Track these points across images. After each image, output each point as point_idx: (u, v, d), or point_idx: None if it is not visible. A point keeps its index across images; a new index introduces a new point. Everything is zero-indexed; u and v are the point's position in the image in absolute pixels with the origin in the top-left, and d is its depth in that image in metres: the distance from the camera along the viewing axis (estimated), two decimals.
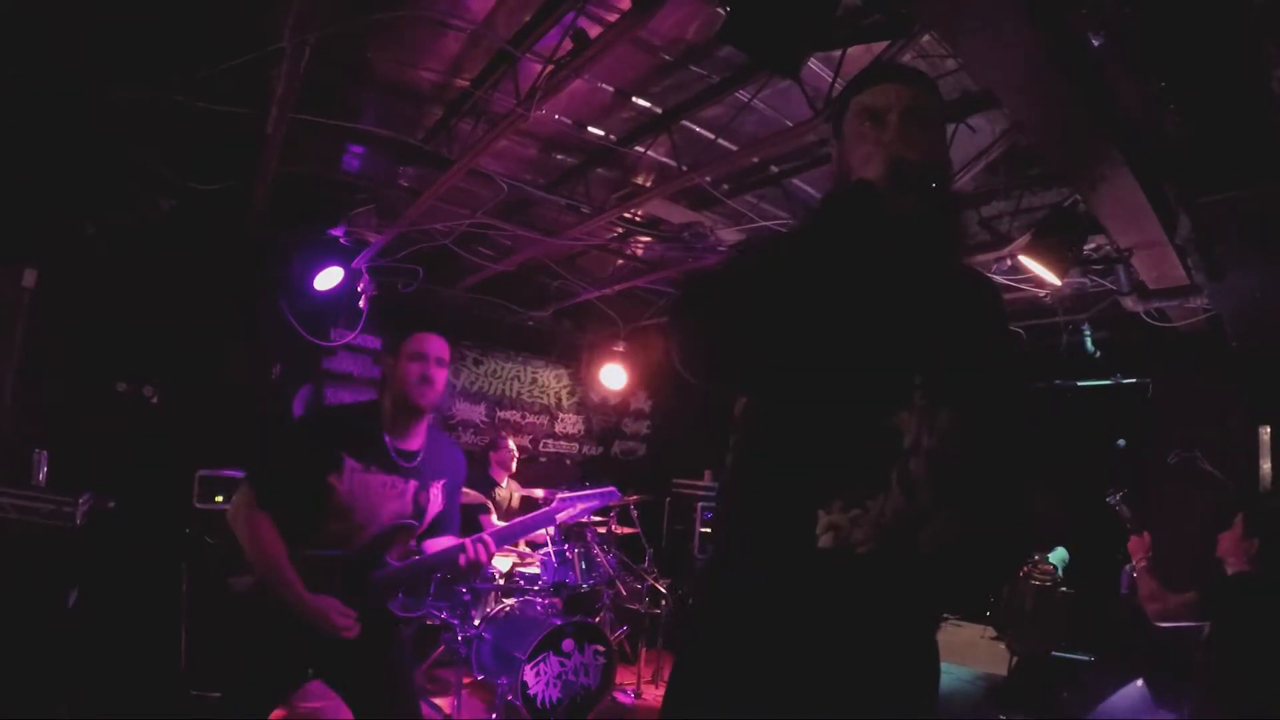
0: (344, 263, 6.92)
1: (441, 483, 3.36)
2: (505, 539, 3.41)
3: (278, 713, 3.24)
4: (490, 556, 3.26)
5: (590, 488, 3.78)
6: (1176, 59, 3.23)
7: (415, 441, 3.27)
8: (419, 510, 3.26)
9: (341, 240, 6.62)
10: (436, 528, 3.42)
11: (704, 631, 1.82)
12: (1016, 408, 1.82)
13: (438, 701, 6.05)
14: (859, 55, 3.83)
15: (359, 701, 3.17)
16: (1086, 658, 6.45)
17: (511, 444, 7.55)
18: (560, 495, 3.61)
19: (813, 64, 3.88)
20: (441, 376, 3.27)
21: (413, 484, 3.24)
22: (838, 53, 3.85)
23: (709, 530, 7.84)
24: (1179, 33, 3.13)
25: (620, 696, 6.42)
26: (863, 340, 1.69)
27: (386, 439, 3.20)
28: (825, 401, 1.69)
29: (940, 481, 1.66)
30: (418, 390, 3.18)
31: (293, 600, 2.95)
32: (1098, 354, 7.42)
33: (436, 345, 3.27)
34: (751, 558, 1.75)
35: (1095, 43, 3.06)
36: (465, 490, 6.37)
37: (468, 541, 3.22)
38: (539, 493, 6.90)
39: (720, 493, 1.91)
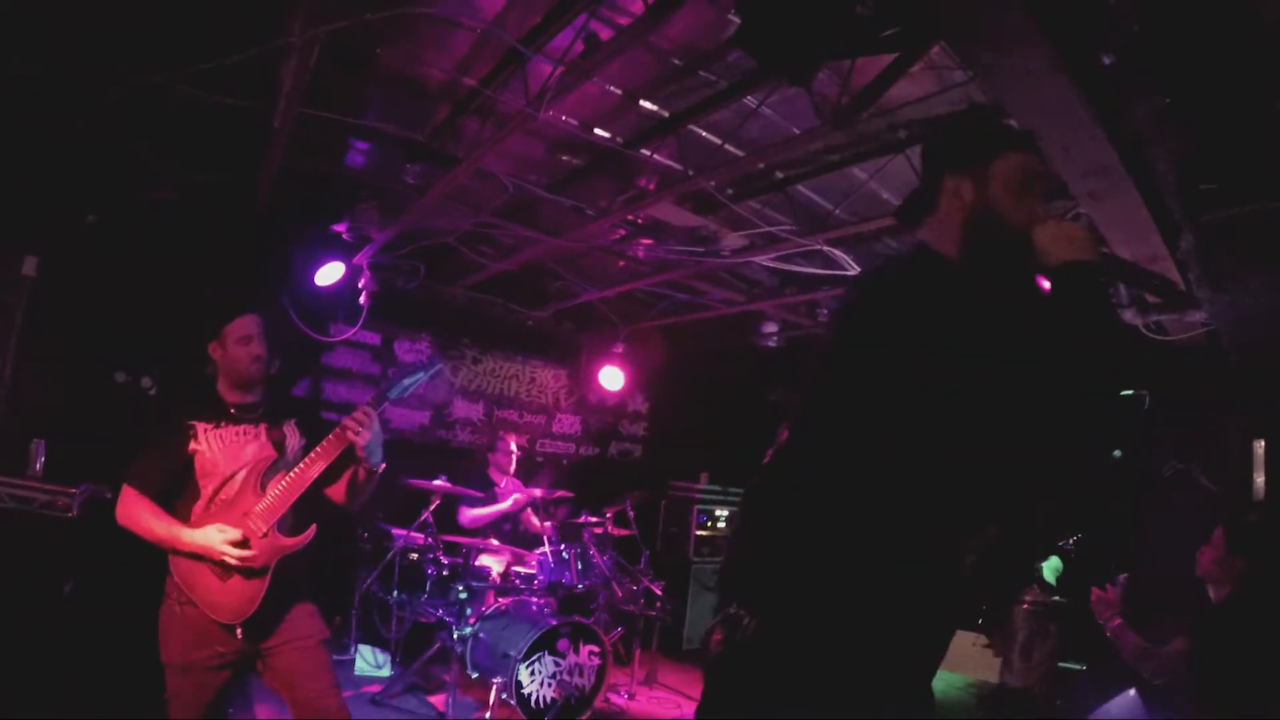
0: (345, 258, 6.92)
1: (293, 421, 3.61)
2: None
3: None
4: (366, 421, 3.35)
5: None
6: (1183, 76, 3.25)
7: (253, 396, 3.54)
8: (277, 445, 3.50)
9: (344, 236, 6.61)
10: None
11: (820, 636, 1.85)
12: None
13: (431, 699, 6.07)
14: (868, 65, 3.85)
15: (285, 691, 3.33)
16: (1079, 666, 6.46)
17: (511, 445, 7.53)
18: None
19: (822, 74, 3.88)
20: (263, 345, 3.53)
21: (263, 426, 3.51)
22: (847, 63, 3.86)
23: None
24: (1186, 51, 3.15)
25: (614, 697, 6.43)
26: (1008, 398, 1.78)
27: (226, 399, 3.49)
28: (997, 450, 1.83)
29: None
30: (251, 368, 3.47)
31: (182, 544, 3.20)
32: None
33: (254, 323, 3.56)
34: (894, 575, 1.83)
35: (1105, 61, 3.08)
36: (460, 488, 6.43)
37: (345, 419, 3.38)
38: (538, 493, 6.91)
39: (813, 513, 1.91)
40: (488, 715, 5.60)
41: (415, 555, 6.50)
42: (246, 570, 3.19)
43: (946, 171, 2.02)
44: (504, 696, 5.52)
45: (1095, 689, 5.45)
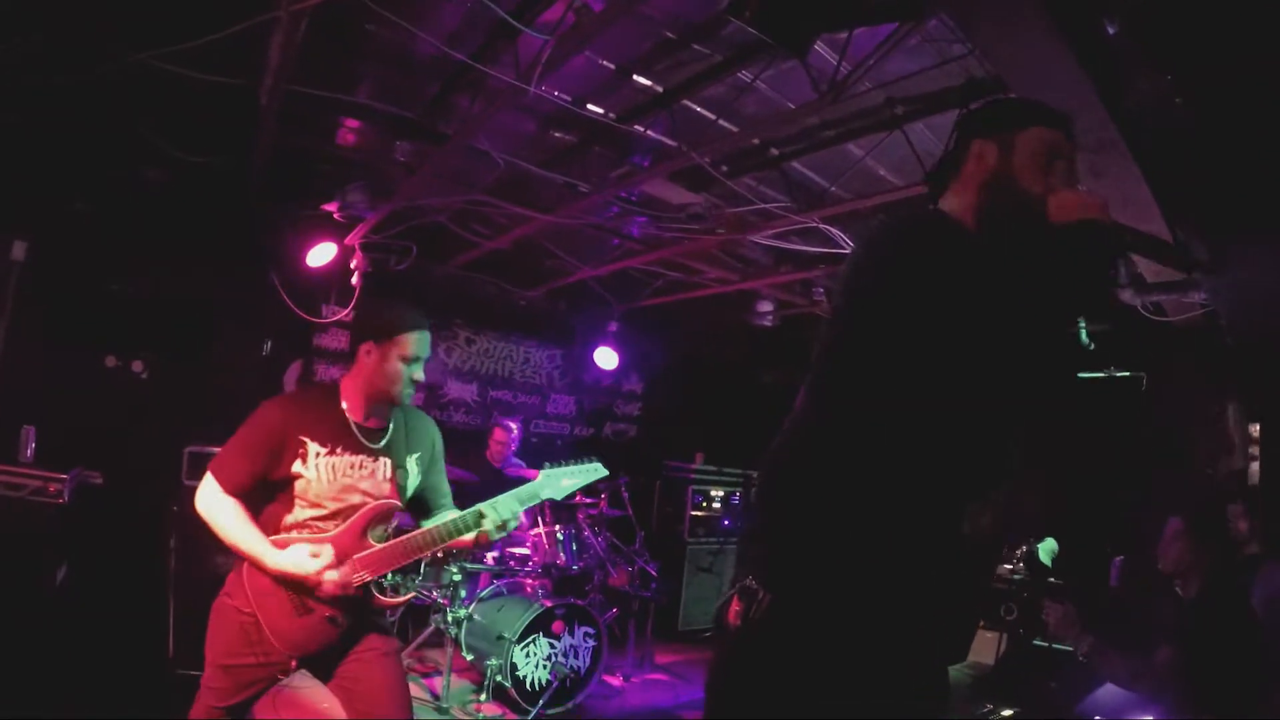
0: (337, 239, 6.87)
1: (416, 456, 3.29)
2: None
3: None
4: (505, 529, 3.17)
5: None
6: (1188, 50, 3.20)
7: (382, 421, 3.21)
8: (399, 489, 3.20)
9: (335, 216, 6.56)
10: (426, 504, 3.38)
11: (833, 611, 1.86)
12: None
13: (426, 682, 6.05)
14: (865, 37, 3.79)
15: (342, 689, 3.13)
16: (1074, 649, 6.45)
17: (505, 432, 7.46)
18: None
19: (819, 46, 3.82)
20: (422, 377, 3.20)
21: (383, 461, 3.17)
22: (843, 35, 3.80)
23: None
24: (1191, 23, 3.10)
25: (609, 679, 6.42)
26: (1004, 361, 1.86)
27: (351, 419, 3.13)
28: (994, 408, 1.91)
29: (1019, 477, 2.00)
30: (403, 393, 3.13)
31: (268, 564, 2.91)
32: (1092, 346, 7.40)
33: (430, 347, 3.19)
34: (902, 544, 1.85)
35: (1110, 30, 3.02)
36: (458, 471, 6.38)
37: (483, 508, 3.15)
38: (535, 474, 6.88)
39: (823, 486, 1.92)
40: (483, 697, 5.59)
41: None
42: (328, 615, 2.99)
43: (975, 138, 2.08)
44: (499, 679, 5.50)
45: (1090, 672, 5.44)
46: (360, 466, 3.10)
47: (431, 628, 6.18)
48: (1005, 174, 2.00)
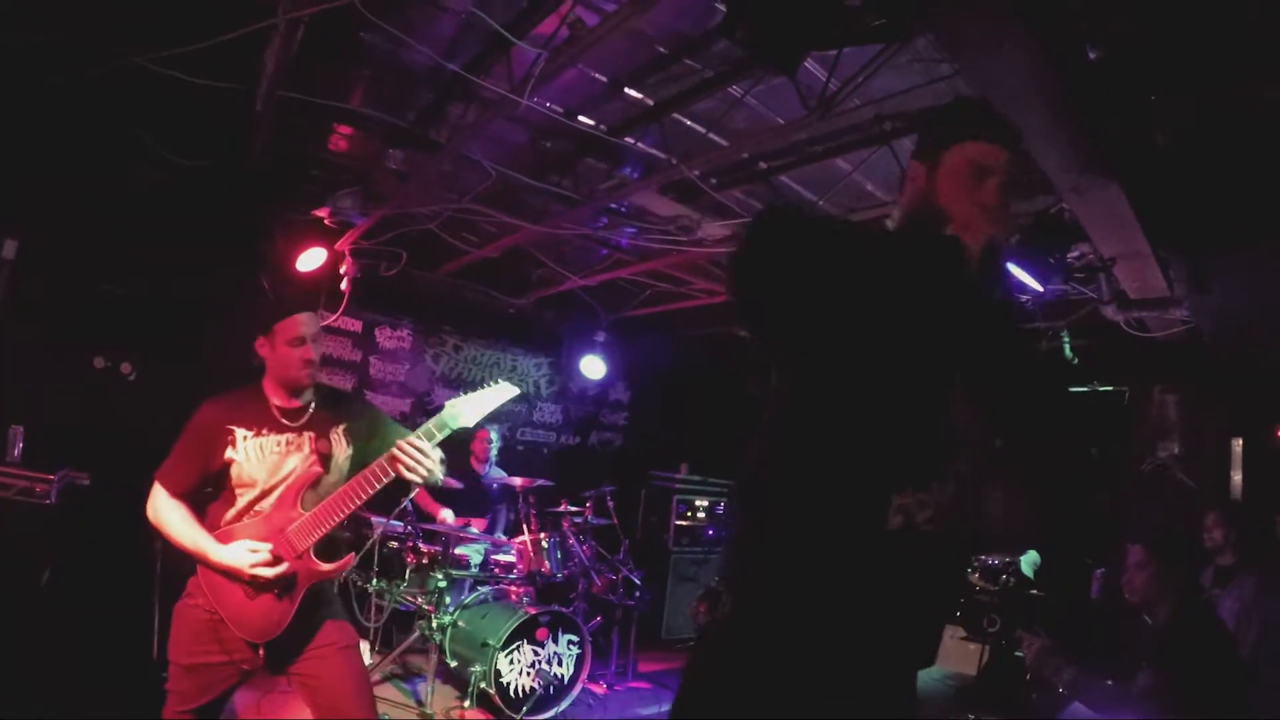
0: (327, 244, 6.88)
1: (342, 427, 3.39)
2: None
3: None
4: (417, 450, 3.16)
5: None
6: (1169, 73, 3.25)
7: (299, 400, 3.34)
8: (324, 459, 3.31)
9: (326, 221, 6.57)
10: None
11: (770, 612, 1.89)
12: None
13: (409, 688, 6.05)
14: (854, 54, 3.84)
15: (307, 689, 3.21)
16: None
17: (491, 436, 7.49)
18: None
19: (808, 63, 3.87)
20: (319, 348, 3.32)
21: (309, 435, 3.29)
22: (833, 52, 3.84)
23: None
24: (1173, 48, 3.15)
25: (593, 687, 6.43)
26: (921, 348, 1.88)
27: (272, 404, 3.28)
28: (894, 399, 1.87)
29: (978, 472, 1.96)
30: (300, 373, 3.26)
31: (212, 559, 3.06)
32: (1076, 361, 7.47)
33: (311, 323, 3.31)
34: (824, 541, 1.85)
35: (1091, 55, 3.08)
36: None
37: (394, 449, 3.17)
38: (517, 481, 6.88)
39: (761, 487, 1.96)
40: (466, 704, 5.60)
41: (394, 543, 6.47)
42: (277, 591, 3.09)
43: (913, 158, 2.06)
44: (483, 685, 5.52)
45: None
46: (287, 444, 3.25)
47: (416, 634, 6.19)
48: (927, 196, 1.98)
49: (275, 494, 3.18)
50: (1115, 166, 3.74)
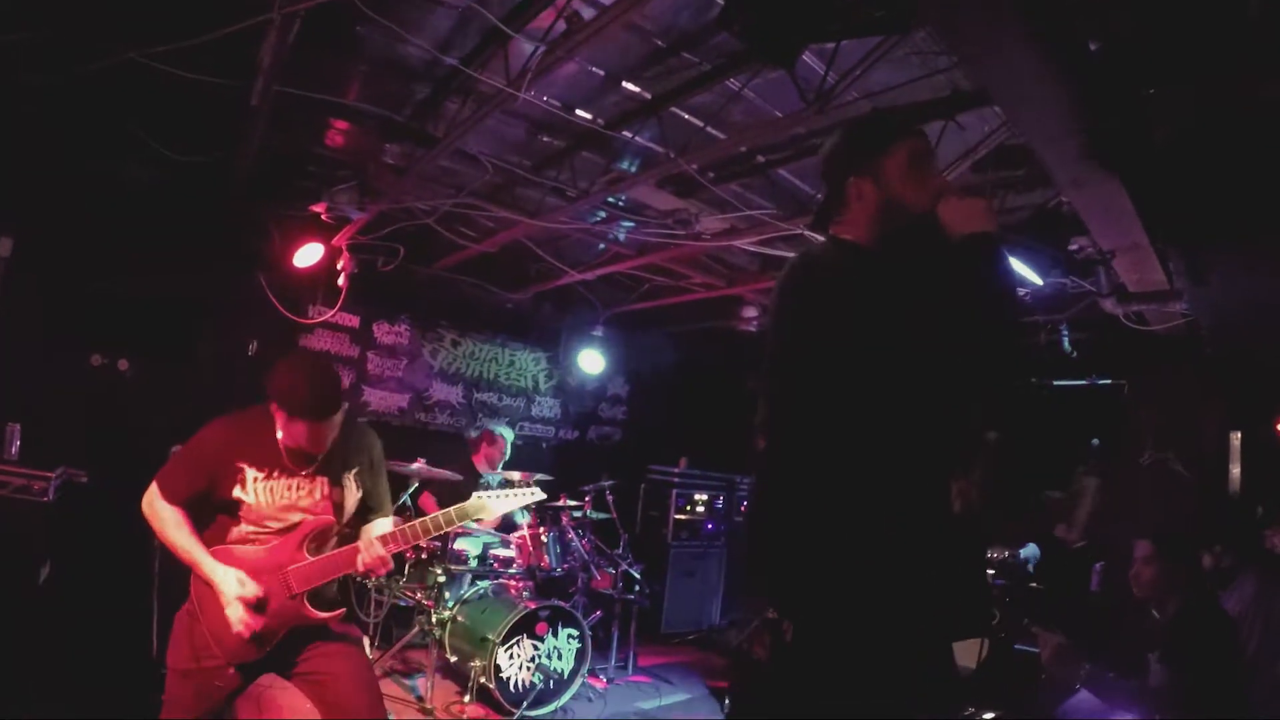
0: (324, 240, 6.88)
1: (354, 471, 3.37)
2: (400, 542, 3.33)
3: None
4: (382, 559, 3.22)
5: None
6: (1170, 66, 3.24)
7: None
8: (336, 508, 3.28)
9: (323, 217, 6.56)
10: (368, 513, 3.45)
11: (860, 618, 1.93)
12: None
13: (410, 683, 6.05)
14: (852, 47, 3.83)
15: (312, 688, 3.21)
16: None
17: (504, 443, 7.44)
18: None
19: (806, 56, 3.86)
20: (330, 438, 3.23)
21: (320, 480, 3.26)
22: (830, 45, 3.83)
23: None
24: (1173, 41, 3.14)
25: (593, 681, 6.43)
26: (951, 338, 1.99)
27: (283, 444, 3.19)
28: (940, 391, 1.99)
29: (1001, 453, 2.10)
30: (309, 451, 3.19)
31: (203, 571, 3.05)
32: (1074, 354, 7.46)
33: (325, 434, 3.18)
34: (901, 534, 1.93)
35: (1092, 47, 3.07)
36: (439, 471, 6.39)
37: (361, 545, 3.23)
38: (516, 475, 6.87)
39: (819, 499, 1.99)
40: (466, 699, 5.59)
41: None
42: (259, 625, 3.05)
43: (849, 177, 2.20)
44: (483, 680, 5.52)
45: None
46: (298, 488, 3.21)
47: (415, 629, 6.18)
48: (890, 201, 2.15)
49: (283, 533, 3.17)
50: (1115, 160, 3.73)
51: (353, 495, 3.35)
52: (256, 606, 3.04)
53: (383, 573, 3.25)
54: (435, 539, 5.98)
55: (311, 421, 3.09)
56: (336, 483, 3.29)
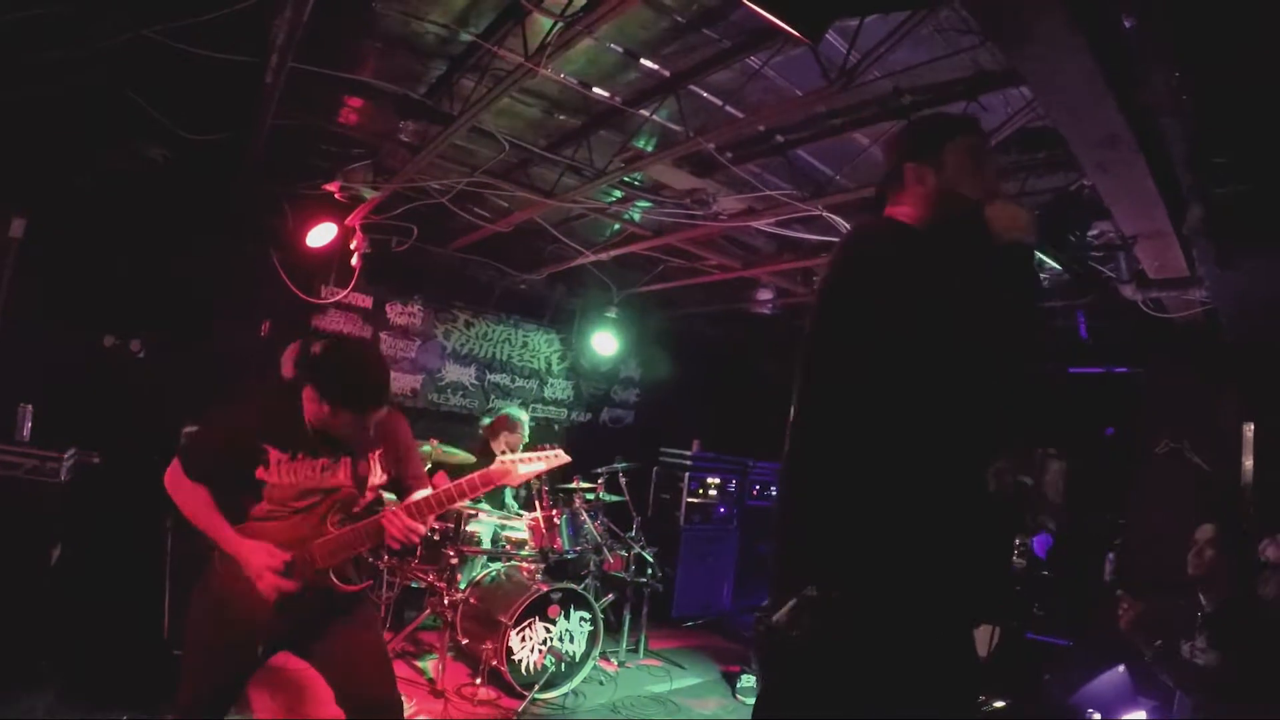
0: (338, 219, 6.85)
1: (379, 451, 3.33)
2: (424, 510, 3.28)
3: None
4: (409, 528, 3.18)
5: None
6: (1202, 45, 3.18)
7: None
8: (359, 482, 3.26)
9: (336, 196, 6.53)
10: (401, 489, 3.43)
11: (901, 593, 1.98)
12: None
13: (421, 665, 6.04)
14: (875, 25, 3.77)
15: (328, 667, 3.19)
16: (1066, 642, 6.48)
17: (522, 427, 7.39)
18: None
19: (829, 34, 3.80)
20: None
21: (345, 461, 3.23)
22: (854, 22, 3.78)
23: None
24: (1207, 19, 3.08)
25: (604, 664, 6.42)
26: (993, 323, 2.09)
27: (309, 424, 3.16)
28: (982, 373, 2.07)
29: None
30: (352, 437, 3.16)
31: (229, 546, 3.03)
32: (1091, 341, 7.41)
33: (368, 427, 3.14)
34: (940, 511, 2.01)
35: (1127, 24, 3.01)
36: (453, 452, 6.38)
37: (387, 516, 3.19)
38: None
39: (858, 476, 2.04)
40: (478, 681, 5.59)
41: None
42: (286, 598, 3.04)
43: (908, 161, 2.34)
44: (494, 663, 5.51)
45: (1084, 665, 5.46)
46: (322, 468, 3.18)
47: (427, 611, 6.18)
48: (948, 190, 2.28)
49: (307, 509, 3.15)
50: (1141, 141, 3.67)
51: (377, 475, 3.31)
52: (284, 576, 3.02)
53: (415, 540, 3.20)
54: (449, 518, 6.00)
55: (357, 414, 3.05)
56: (360, 459, 3.26)
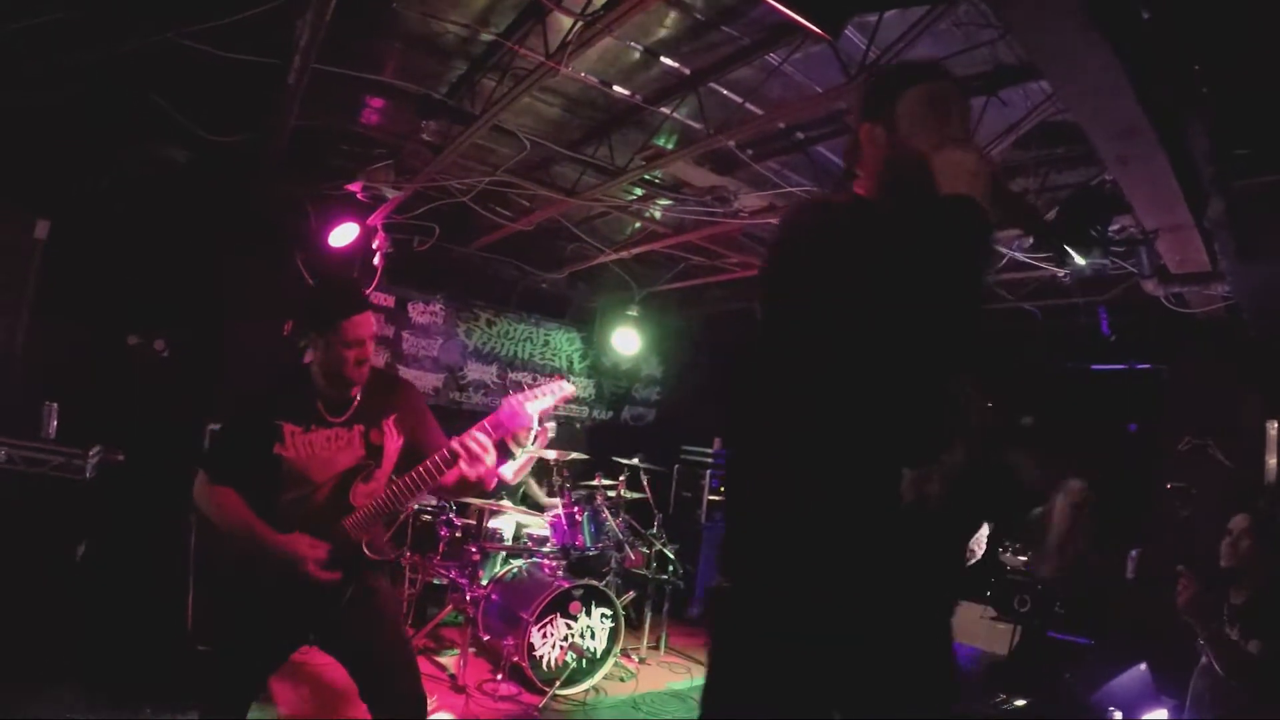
0: (360, 219, 6.89)
1: (392, 418, 3.34)
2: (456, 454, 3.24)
3: None
4: (479, 448, 3.15)
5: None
6: (1223, 35, 3.18)
7: (348, 393, 3.28)
8: (373, 450, 3.27)
9: (359, 196, 6.57)
10: (410, 461, 3.36)
11: (784, 592, 1.86)
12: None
13: (443, 660, 6.08)
14: (894, 20, 3.78)
15: (353, 661, 3.21)
16: (1088, 641, 6.45)
17: (548, 427, 7.40)
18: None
19: (848, 29, 3.81)
20: (372, 349, 3.26)
21: (358, 428, 3.25)
22: (873, 18, 3.79)
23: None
24: (1225, 10, 3.08)
25: (625, 661, 6.44)
26: (930, 317, 1.79)
27: (319, 397, 3.22)
28: (908, 374, 1.82)
29: (979, 442, 1.96)
30: (354, 372, 3.20)
31: (267, 546, 3.03)
32: (1113, 338, 7.37)
33: (369, 325, 3.23)
34: (841, 515, 1.83)
35: (1144, 16, 3.00)
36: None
37: (454, 443, 3.17)
38: (551, 454, 6.88)
39: (769, 467, 1.94)
40: (499, 677, 5.62)
41: (428, 516, 6.49)
42: (325, 583, 3.06)
43: (863, 123, 2.08)
44: (516, 659, 5.54)
45: (1105, 663, 5.44)
46: (336, 438, 3.20)
47: (449, 607, 6.21)
48: (898, 147, 1.98)
49: (328, 487, 3.16)
50: (1162, 134, 3.66)
51: (393, 441, 3.32)
52: (327, 565, 3.05)
53: (479, 468, 3.16)
54: (470, 514, 6.03)
55: (339, 323, 3.12)
56: (374, 426, 3.28)
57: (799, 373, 1.89)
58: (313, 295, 3.17)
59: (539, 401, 3.40)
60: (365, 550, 3.18)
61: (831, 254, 1.85)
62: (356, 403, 3.27)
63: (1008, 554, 6.48)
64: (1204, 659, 4.07)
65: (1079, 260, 2.21)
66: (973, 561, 4.37)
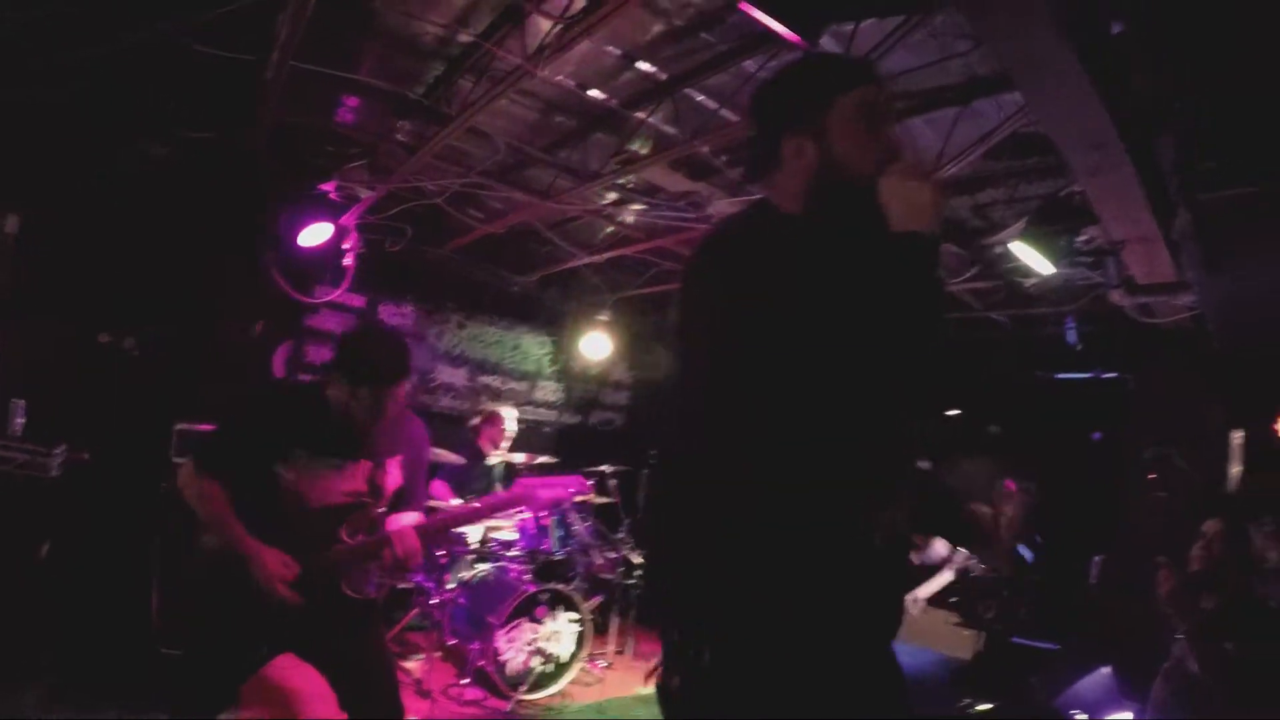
0: (332, 219, 6.84)
1: (399, 459, 3.33)
2: (433, 531, 3.34)
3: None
4: (411, 552, 3.16)
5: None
6: (1191, 49, 3.22)
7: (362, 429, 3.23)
8: (375, 489, 3.25)
9: (331, 196, 6.53)
10: (398, 503, 3.39)
11: (779, 645, 1.75)
12: None
13: (408, 665, 6.04)
14: (869, 30, 3.81)
15: (334, 671, 3.15)
16: (1052, 645, 6.50)
17: (507, 424, 7.40)
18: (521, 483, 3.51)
19: (824, 38, 3.84)
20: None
21: (365, 464, 3.22)
22: (849, 27, 3.82)
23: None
24: (1195, 22, 3.12)
25: (592, 665, 6.43)
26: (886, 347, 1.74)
27: (331, 421, 3.16)
28: (872, 425, 1.79)
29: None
30: (375, 423, 3.17)
31: (240, 549, 2.99)
32: (1079, 347, 7.45)
33: (408, 387, 3.22)
34: (819, 566, 1.75)
35: (1116, 29, 3.05)
36: (443, 453, 6.37)
37: (393, 534, 3.17)
38: (520, 457, 6.87)
39: (748, 509, 1.76)
40: (465, 681, 5.60)
41: None
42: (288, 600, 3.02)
43: (784, 133, 1.91)
44: (481, 663, 5.52)
45: (1069, 668, 5.49)
46: (341, 469, 3.17)
47: (415, 611, 6.18)
48: (831, 166, 1.85)
49: (319, 515, 3.12)
50: (1130, 146, 3.71)
51: (395, 480, 3.31)
52: (295, 586, 3.00)
53: (413, 566, 3.21)
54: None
55: (375, 388, 3.08)
56: (379, 467, 3.25)
57: (757, 412, 1.75)
58: (361, 346, 3.11)
59: (554, 491, 3.50)
60: (346, 590, 3.15)
61: (777, 285, 1.73)
62: (368, 440, 3.23)
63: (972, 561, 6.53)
64: (1170, 661, 4.11)
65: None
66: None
